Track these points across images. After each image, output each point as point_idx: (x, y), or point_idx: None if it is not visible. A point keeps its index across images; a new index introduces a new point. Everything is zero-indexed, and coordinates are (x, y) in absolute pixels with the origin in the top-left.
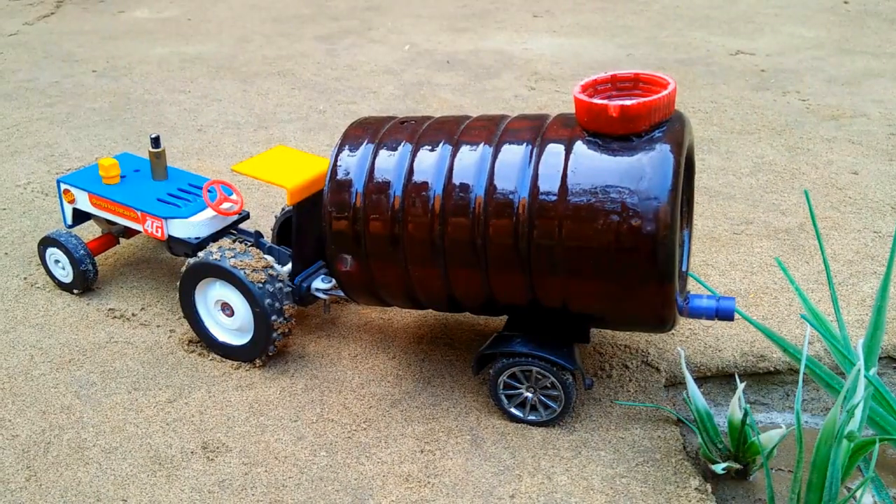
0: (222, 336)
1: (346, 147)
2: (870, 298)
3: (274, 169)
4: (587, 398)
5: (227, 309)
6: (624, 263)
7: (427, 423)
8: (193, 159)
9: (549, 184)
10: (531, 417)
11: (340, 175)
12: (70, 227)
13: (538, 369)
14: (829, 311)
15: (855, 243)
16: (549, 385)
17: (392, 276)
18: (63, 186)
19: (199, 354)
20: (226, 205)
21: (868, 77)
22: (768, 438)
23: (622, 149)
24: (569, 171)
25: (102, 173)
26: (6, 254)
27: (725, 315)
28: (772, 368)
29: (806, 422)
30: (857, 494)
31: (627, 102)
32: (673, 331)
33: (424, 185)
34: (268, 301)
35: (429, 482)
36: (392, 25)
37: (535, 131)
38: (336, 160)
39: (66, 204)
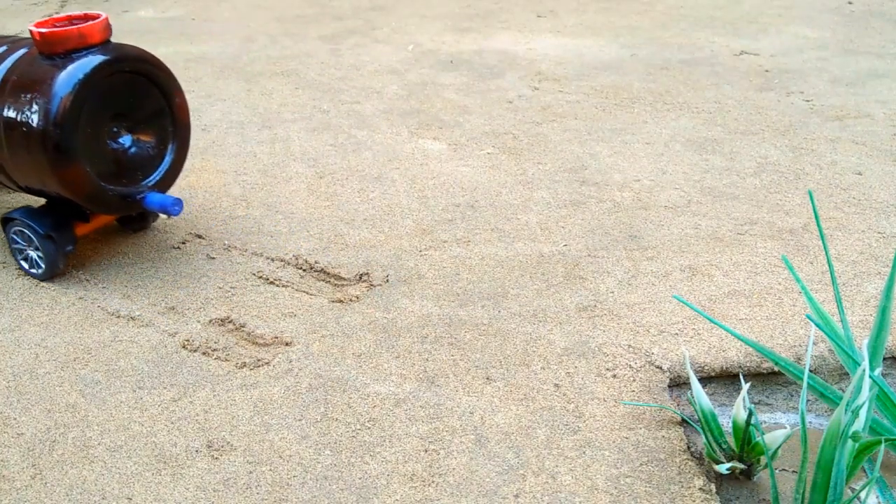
0: None
1: None
2: (874, 299)
3: None
4: (591, 400)
5: None
6: (35, 149)
7: (431, 423)
8: (198, 158)
9: (5, 84)
10: (31, 271)
11: None
12: None
13: (28, 232)
14: (833, 312)
15: (859, 244)
16: (37, 247)
17: None
18: None
19: (204, 354)
20: None
21: (872, 77)
22: (773, 438)
23: (48, 65)
24: (14, 76)
25: None
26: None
27: (164, 209)
28: (776, 369)
29: (810, 422)
30: (862, 495)
31: (45, 30)
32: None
33: None
34: None
35: (433, 481)
36: (396, 25)
37: (25, 48)
38: None
39: None
